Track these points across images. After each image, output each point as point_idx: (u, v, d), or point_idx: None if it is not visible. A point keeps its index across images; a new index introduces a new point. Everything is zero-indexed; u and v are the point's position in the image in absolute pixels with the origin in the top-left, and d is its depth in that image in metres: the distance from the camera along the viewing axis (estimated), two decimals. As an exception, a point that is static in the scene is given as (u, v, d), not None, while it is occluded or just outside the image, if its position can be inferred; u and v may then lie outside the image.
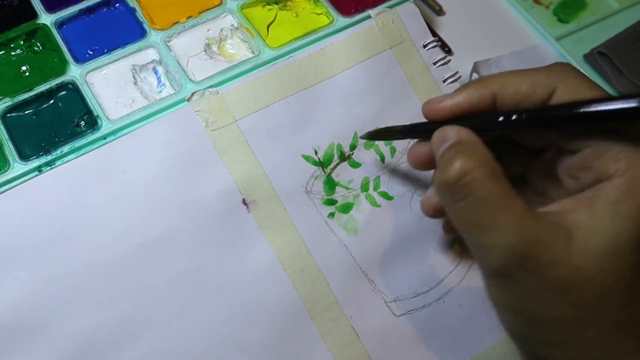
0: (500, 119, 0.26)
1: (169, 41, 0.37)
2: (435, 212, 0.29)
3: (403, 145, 0.36)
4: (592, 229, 0.23)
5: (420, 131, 0.30)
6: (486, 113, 0.27)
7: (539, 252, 0.23)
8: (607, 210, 0.23)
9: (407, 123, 0.31)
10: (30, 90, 0.34)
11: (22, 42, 0.36)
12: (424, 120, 0.30)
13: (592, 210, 0.24)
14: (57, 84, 0.34)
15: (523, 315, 0.25)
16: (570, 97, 0.25)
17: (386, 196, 0.35)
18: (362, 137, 0.35)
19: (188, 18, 0.37)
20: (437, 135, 0.27)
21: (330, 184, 0.34)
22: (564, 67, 0.26)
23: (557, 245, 0.23)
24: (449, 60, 0.38)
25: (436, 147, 0.27)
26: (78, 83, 0.34)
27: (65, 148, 0.32)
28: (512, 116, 0.26)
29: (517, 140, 0.29)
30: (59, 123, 0.33)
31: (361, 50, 0.36)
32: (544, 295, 0.24)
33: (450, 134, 0.26)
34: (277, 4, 0.39)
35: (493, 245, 0.24)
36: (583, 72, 0.45)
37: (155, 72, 0.36)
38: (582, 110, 0.24)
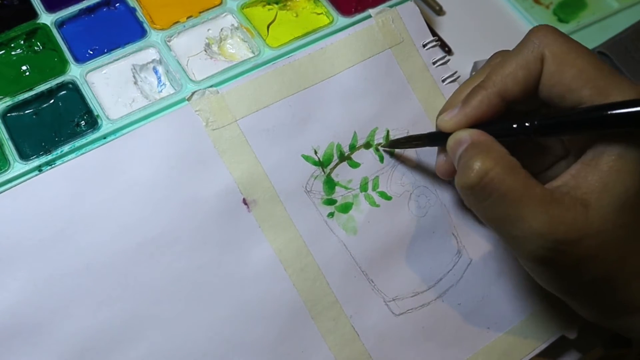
0: (514, 126, 0.27)
1: (169, 41, 0.37)
2: (450, 175, 0.31)
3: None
4: (602, 191, 0.25)
5: (438, 139, 0.31)
6: (500, 120, 0.28)
7: (566, 232, 0.25)
8: (612, 168, 0.25)
9: (425, 132, 0.33)
10: (31, 89, 0.34)
11: (22, 42, 0.36)
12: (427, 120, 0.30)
13: (599, 170, 0.25)
14: (58, 83, 0.34)
15: (565, 282, 0.28)
16: (558, 64, 0.27)
17: (385, 196, 0.35)
18: (382, 147, 0.35)
19: (188, 18, 0.37)
20: (452, 139, 0.28)
21: (330, 184, 0.34)
22: (541, 33, 0.28)
23: (579, 220, 0.25)
24: (448, 60, 0.38)
25: (453, 152, 0.28)
26: (78, 83, 0.34)
27: (66, 147, 0.32)
28: (525, 123, 0.26)
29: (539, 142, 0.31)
30: (59, 123, 0.33)
31: (361, 50, 0.36)
32: (579, 266, 0.26)
33: (464, 136, 0.28)
34: (277, 3, 0.39)
35: (524, 237, 0.26)
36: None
37: (156, 72, 0.36)
38: (594, 115, 0.25)
